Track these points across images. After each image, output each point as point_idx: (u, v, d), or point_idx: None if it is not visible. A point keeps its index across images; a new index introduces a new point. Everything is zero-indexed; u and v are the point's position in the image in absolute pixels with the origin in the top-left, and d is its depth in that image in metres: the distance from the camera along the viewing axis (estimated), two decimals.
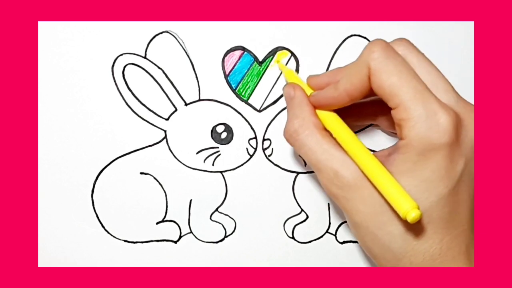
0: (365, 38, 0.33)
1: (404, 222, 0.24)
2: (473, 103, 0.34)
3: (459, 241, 0.27)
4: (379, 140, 0.35)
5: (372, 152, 0.27)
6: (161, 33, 0.32)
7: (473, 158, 0.27)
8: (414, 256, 0.26)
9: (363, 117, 0.32)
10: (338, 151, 0.27)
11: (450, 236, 0.26)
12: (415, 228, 0.26)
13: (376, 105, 0.32)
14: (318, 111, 0.29)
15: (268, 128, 0.34)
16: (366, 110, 0.32)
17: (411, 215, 0.23)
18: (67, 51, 0.32)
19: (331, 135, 0.28)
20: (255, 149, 0.34)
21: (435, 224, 0.26)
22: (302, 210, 0.36)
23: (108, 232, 0.35)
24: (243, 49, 0.33)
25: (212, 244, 0.35)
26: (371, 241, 0.27)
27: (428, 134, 0.25)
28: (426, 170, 0.25)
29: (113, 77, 0.32)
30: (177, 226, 0.35)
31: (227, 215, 0.35)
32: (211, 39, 0.32)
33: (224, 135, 0.34)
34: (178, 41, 0.32)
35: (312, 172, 0.35)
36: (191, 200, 0.35)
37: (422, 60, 0.28)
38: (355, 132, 0.34)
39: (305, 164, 0.35)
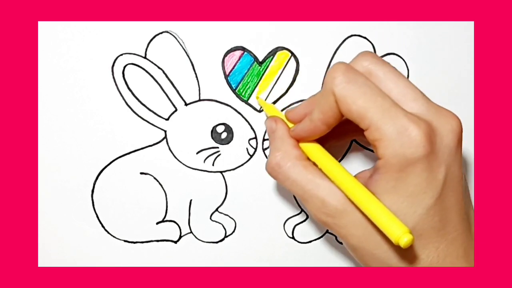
0: (365, 38, 0.33)
1: None
2: (473, 103, 0.34)
3: (455, 246, 0.27)
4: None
5: (354, 175, 0.27)
6: (161, 33, 0.32)
7: (454, 163, 0.26)
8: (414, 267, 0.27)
9: (344, 135, 0.32)
10: (322, 180, 0.27)
11: (446, 243, 0.27)
12: None
13: (353, 124, 0.32)
14: (300, 144, 0.29)
15: None
16: (346, 127, 0.32)
17: (403, 240, 0.23)
18: (67, 51, 0.32)
19: (315, 165, 0.28)
20: (255, 149, 0.34)
21: (428, 235, 0.26)
22: (302, 210, 0.36)
23: (108, 232, 0.35)
24: (243, 49, 0.33)
25: (212, 244, 0.35)
26: (370, 260, 0.28)
27: (402, 150, 0.25)
28: (409, 185, 0.25)
29: (113, 77, 0.32)
30: (177, 226, 0.35)
31: (227, 215, 0.35)
32: (211, 39, 0.32)
33: (224, 135, 0.34)
34: (178, 41, 0.32)
35: None
36: (191, 200, 0.35)
37: (388, 72, 0.27)
38: (341, 158, 0.35)
39: None
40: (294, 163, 0.28)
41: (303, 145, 0.29)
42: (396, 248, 0.26)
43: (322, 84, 0.34)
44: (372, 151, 0.35)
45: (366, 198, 0.25)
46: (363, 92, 0.25)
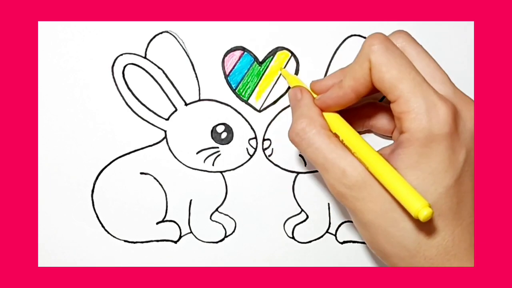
0: (365, 38, 0.33)
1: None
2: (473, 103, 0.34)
3: (470, 233, 0.27)
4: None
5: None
6: (161, 33, 0.32)
7: (473, 148, 0.27)
8: (428, 250, 0.26)
9: (357, 123, 0.33)
10: (344, 152, 0.27)
11: (461, 227, 0.27)
12: (428, 222, 0.26)
13: (368, 108, 0.32)
14: (324, 114, 0.29)
15: (268, 128, 0.34)
16: (360, 115, 0.32)
17: (423, 213, 0.23)
18: (67, 51, 0.32)
19: (337, 137, 0.28)
20: (255, 149, 0.34)
21: (445, 216, 0.26)
22: (302, 210, 0.36)
23: (108, 232, 0.35)
24: (243, 49, 0.33)
25: (212, 244, 0.35)
26: (384, 240, 0.27)
27: (429, 125, 0.25)
28: (432, 162, 0.26)
29: (113, 77, 0.32)
30: (177, 226, 0.35)
31: (227, 215, 0.35)
32: (211, 39, 0.32)
33: (224, 135, 0.34)
34: (178, 41, 0.32)
35: (312, 172, 0.35)
36: (191, 200, 0.35)
37: (420, 52, 0.28)
38: None
39: (305, 164, 0.35)
40: (319, 130, 0.28)
41: (326, 115, 0.29)
42: (412, 226, 0.26)
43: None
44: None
45: (387, 170, 0.25)
46: (398, 63, 0.26)
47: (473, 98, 0.34)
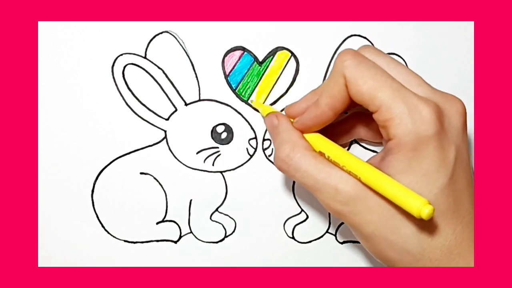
0: (365, 38, 0.33)
1: (417, 221, 0.24)
2: (473, 103, 0.34)
3: (471, 230, 0.27)
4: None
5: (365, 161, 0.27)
6: (161, 33, 0.32)
7: (462, 145, 0.27)
8: (432, 252, 0.26)
9: (344, 135, 0.33)
10: (333, 169, 0.27)
11: (462, 225, 0.27)
12: (428, 224, 0.26)
13: (353, 119, 0.32)
14: (305, 135, 0.29)
15: None
16: (345, 127, 0.32)
17: (425, 211, 0.23)
18: (67, 51, 0.32)
19: (322, 156, 0.28)
20: (255, 149, 0.34)
21: (444, 216, 0.26)
22: (302, 210, 0.36)
23: (108, 232, 0.35)
24: (243, 49, 0.33)
25: (212, 244, 0.35)
26: (388, 248, 0.27)
27: (415, 128, 0.25)
28: (423, 164, 0.26)
29: (113, 77, 0.32)
30: (177, 226, 0.35)
31: (227, 215, 0.35)
32: (211, 39, 0.32)
33: (224, 135, 0.34)
34: (178, 41, 0.32)
35: None
36: (191, 200, 0.35)
37: (390, 61, 0.28)
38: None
39: None
40: (303, 153, 0.28)
41: (308, 136, 0.29)
42: (414, 230, 0.26)
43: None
44: (372, 151, 0.35)
45: (380, 178, 0.25)
46: (373, 73, 0.26)
47: (473, 98, 0.34)
